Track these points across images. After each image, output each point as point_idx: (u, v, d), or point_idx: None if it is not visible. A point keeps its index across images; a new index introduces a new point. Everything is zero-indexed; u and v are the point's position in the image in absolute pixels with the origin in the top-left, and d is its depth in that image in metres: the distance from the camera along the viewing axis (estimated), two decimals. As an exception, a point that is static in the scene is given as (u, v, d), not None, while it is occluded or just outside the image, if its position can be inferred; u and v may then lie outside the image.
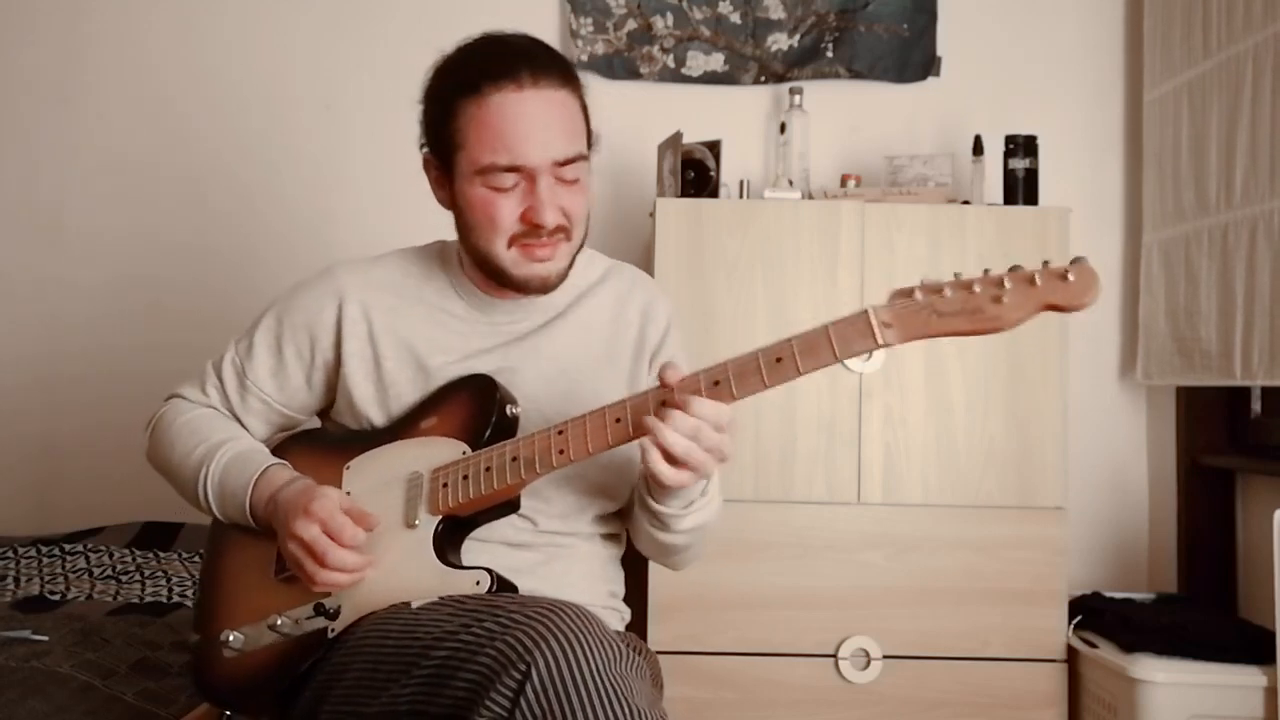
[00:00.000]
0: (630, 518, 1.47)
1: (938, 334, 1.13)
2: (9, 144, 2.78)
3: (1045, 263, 1.11)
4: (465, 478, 1.30)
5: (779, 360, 1.18)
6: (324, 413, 1.54)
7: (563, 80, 1.36)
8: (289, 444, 1.50)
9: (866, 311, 1.15)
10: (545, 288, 1.40)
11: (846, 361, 2.22)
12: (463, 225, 1.40)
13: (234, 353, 1.51)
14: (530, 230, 1.35)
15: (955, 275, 1.13)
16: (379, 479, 1.37)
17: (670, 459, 1.21)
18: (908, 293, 1.14)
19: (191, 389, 1.53)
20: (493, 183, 1.34)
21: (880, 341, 1.14)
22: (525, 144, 1.32)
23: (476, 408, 1.35)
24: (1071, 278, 1.09)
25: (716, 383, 1.20)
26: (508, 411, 1.34)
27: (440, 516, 1.32)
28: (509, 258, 1.37)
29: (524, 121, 1.32)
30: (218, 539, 1.49)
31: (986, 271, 1.12)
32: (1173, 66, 2.47)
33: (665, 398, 1.22)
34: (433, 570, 1.30)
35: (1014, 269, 1.11)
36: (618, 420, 1.24)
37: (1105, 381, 2.70)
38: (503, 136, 1.32)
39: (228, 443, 1.45)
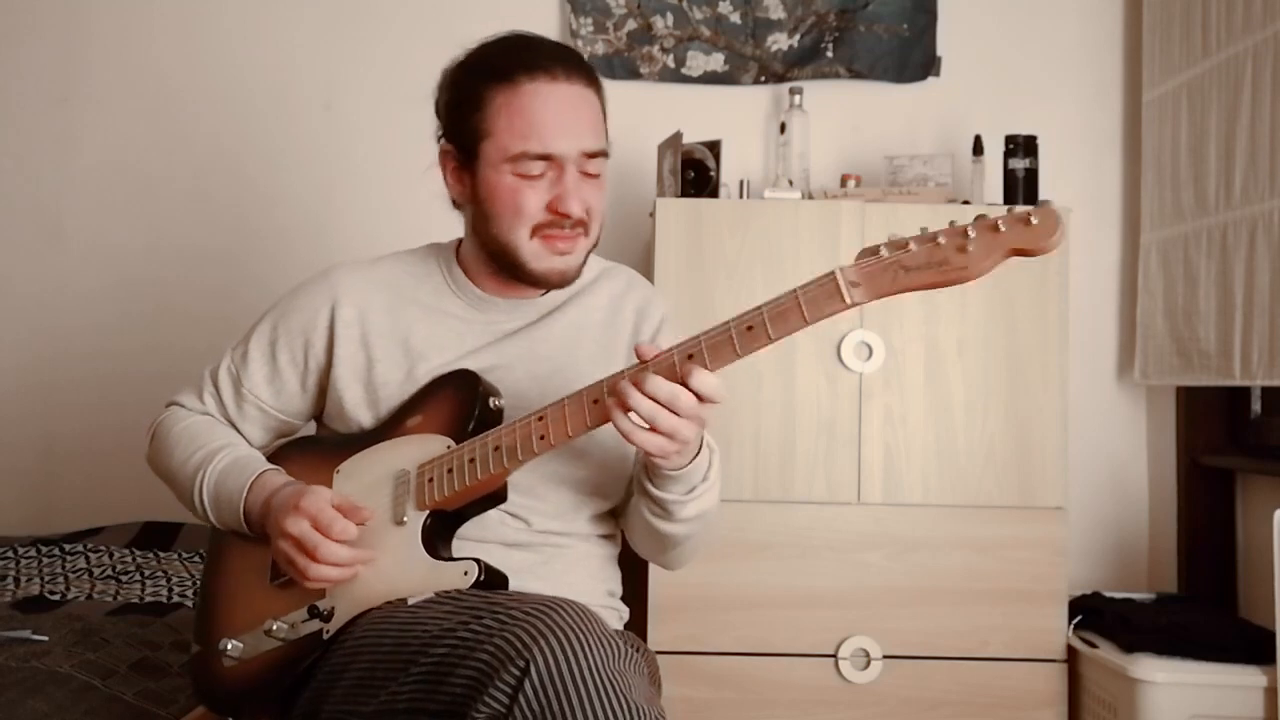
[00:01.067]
0: (625, 515, 1.46)
1: (907, 289, 1.12)
2: (9, 144, 2.78)
3: (1009, 208, 1.11)
4: (449, 471, 1.30)
5: (750, 329, 1.17)
6: (319, 418, 1.54)
7: (589, 80, 1.40)
8: (281, 452, 1.49)
9: (834, 272, 1.14)
10: (563, 282, 1.41)
11: (847, 362, 2.25)
12: (482, 216, 1.40)
13: (230, 360, 1.51)
14: (554, 221, 1.36)
15: (922, 229, 1.12)
16: (369, 480, 1.37)
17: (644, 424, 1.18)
18: (873, 250, 1.13)
19: (189, 397, 1.53)
20: (521, 170, 1.35)
21: (849, 301, 1.13)
22: (557, 133, 1.34)
23: (459, 402, 1.35)
24: (1035, 221, 1.07)
25: (690, 356, 1.19)
26: (490, 404, 1.34)
27: (427, 511, 1.32)
28: (530, 250, 1.37)
29: (556, 111, 1.35)
30: (216, 548, 1.49)
31: (952, 223, 1.11)
32: (1172, 66, 2.47)
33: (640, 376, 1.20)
34: (423, 565, 1.30)
35: (979, 218, 1.11)
36: (595, 402, 1.23)
37: (1105, 381, 2.70)
38: (535, 124, 1.34)
39: (223, 449, 1.45)
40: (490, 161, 1.36)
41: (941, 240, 1.10)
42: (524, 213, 1.36)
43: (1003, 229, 1.08)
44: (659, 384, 1.17)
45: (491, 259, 1.42)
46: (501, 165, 1.36)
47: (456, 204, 1.47)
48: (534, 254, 1.37)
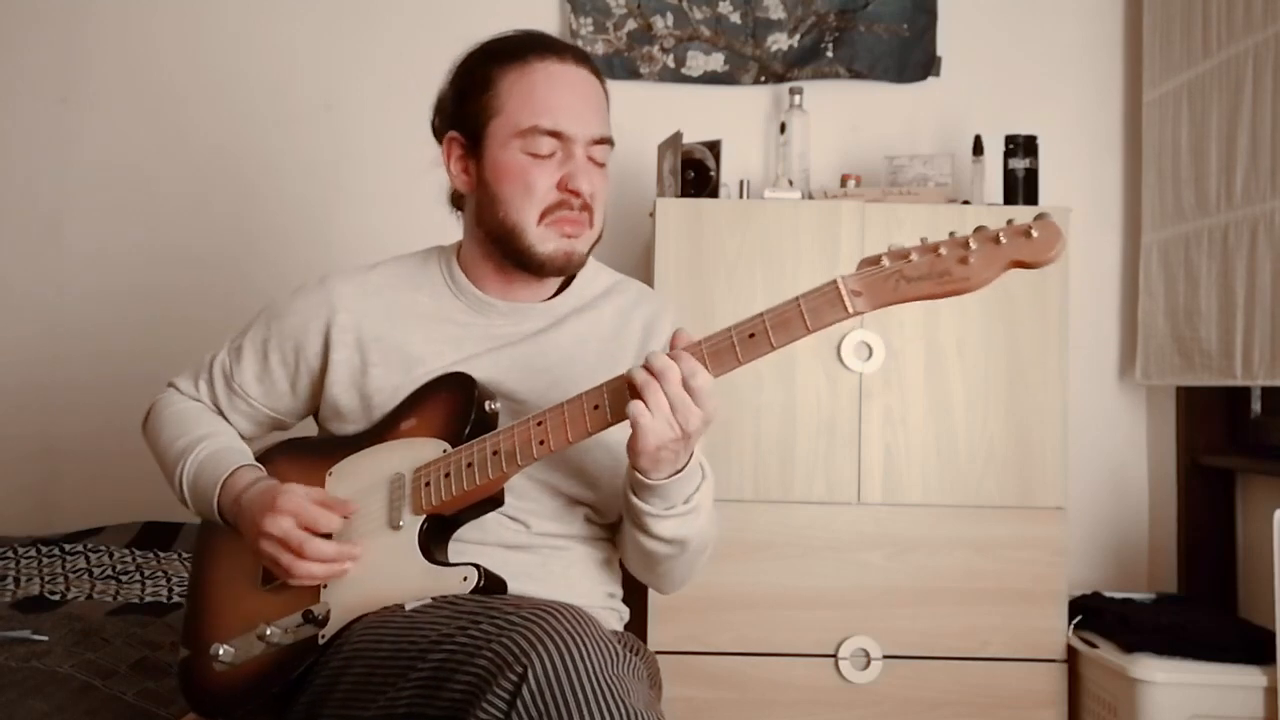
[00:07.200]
0: (619, 533, 1.45)
1: (908, 299, 1.13)
2: (9, 145, 2.78)
3: (1009, 221, 1.11)
4: (447, 475, 1.30)
5: (752, 336, 1.17)
6: (316, 417, 1.53)
7: (595, 71, 1.43)
8: (273, 453, 1.49)
9: (835, 281, 1.14)
10: (567, 267, 1.41)
11: (847, 362, 2.25)
12: (488, 200, 1.39)
13: (225, 353, 1.52)
14: (563, 201, 1.37)
15: (922, 239, 1.13)
16: (362, 483, 1.36)
17: (634, 392, 1.18)
18: (875, 260, 1.14)
19: (186, 381, 1.55)
20: (531, 148, 1.36)
21: (851, 310, 1.14)
22: (568, 112, 1.36)
23: (455, 405, 1.34)
24: (1035, 234, 1.08)
25: None
26: (486, 407, 1.34)
27: (424, 516, 1.31)
28: (537, 234, 1.37)
29: (568, 90, 1.37)
30: (203, 551, 1.49)
31: (952, 234, 1.12)
32: (1172, 66, 2.47)
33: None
34: (420, 570, 1.29)
35: (979, 229, 1.11)
36: (595, 407, 1.23)
37: (1105, 382, 2.70)
38: (547, 101, 1.36)
39: (205, 439, 1.46)
40: (499, 140, 1.37)
41: (943, 251, 1.11)
42: (534, 191, 1.36)
43: (1003, 241, 1.09)
44: (658, 359, 1.17)
45: (496, 247, 1.41)
46: (511, 142, 1.36)
47: (456, 204, 1.48)
48: (540, 237, 1.37)
